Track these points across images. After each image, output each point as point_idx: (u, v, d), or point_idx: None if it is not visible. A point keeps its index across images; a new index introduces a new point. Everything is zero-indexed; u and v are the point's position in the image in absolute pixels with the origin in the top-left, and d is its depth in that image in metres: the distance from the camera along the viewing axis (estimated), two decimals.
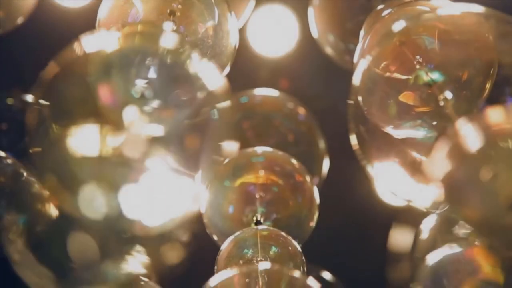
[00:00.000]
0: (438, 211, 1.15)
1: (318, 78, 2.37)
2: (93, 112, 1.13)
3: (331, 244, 2.26)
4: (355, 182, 2.26)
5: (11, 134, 1.97)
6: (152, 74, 1.18)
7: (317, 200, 1.79)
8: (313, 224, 1.79)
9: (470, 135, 1.09)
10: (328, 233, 2.03)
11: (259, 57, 2.23)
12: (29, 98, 2.03)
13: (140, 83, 1.18)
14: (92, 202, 1.06)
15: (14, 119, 2.01)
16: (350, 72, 1.87)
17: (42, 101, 1.20)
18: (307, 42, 2.10)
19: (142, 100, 1.18)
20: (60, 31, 2.11)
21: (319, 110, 2.10)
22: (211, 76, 1.19)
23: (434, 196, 1.13)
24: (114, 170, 1.09)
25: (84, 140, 1.09)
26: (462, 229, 1.16)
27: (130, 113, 1.14)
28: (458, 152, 1.09)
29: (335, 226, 2.21)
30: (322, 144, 2.05)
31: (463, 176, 1.09)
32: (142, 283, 1.78)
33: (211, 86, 1.19)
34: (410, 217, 1.92)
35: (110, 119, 1.12)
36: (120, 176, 1.09)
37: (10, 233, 1.56)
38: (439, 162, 1.11)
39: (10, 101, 2.03)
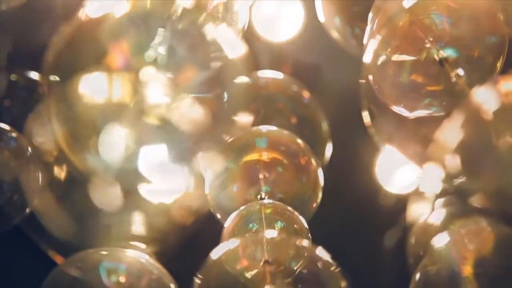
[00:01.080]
0: (452, 184, 1.15)
1: (323, 63, 2.37)
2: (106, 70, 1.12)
3: (332, 227, 2.26)
4: (358, 166, 2.26)
5: (15, 110, 1.97)
6: (167, 37, 1.17)
7: (322, 181, 1.78)
8: (316, 205, 1.78)
9: (485, 104, 1.09)
10: (329, 216, 2.02)
11: (264, 41, 2.22)
12: (33, 75, 2.03)
13: (154, 47, 1.17)
14: (106, 159, 1.06)
15: (18, 95, 2.00)
16: (355, 57, 1.87)
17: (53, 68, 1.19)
18: (313, 26, 2.10)
19: (155, 64, 1.17)
20: (64, 9, 2.10)
21: (323, 94, 2.10)
22: (230, 41, 1.18)
23: (449, 167, 1.13)
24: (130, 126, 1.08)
25: (98, 94, 1.08)
26: (474, 202, 1.16)
27: (145, 76, 1.14)
28: (473, 121, 1.09)
29: (336, 210, 2.21)
30: (325, 128, 2.04)
31: (478, 144, 1.09)
32: (143, 260, 1.77)
33: (230, 52, 1.18)
34: (413, 201, 1.92)
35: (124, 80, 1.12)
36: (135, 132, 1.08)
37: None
38: (454, 132, 1.11)
39: (13, 77, 2.03)
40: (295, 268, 1.41)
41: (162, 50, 1.17)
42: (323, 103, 2.06)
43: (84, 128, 1.08)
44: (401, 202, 1.99)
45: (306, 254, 1.41)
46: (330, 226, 2.20)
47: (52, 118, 1.10)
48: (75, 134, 1.08)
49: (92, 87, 1.10)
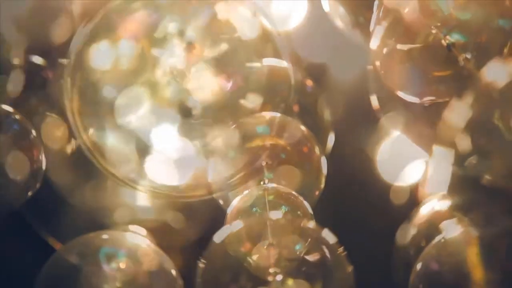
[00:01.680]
0: (463, 166, 1.14)
1: (326, 53, 2.37)
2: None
3: (335, 224, 2.25)
4: (360, 155, 2.26)
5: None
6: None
7: (325, 169, 1.78)
8: (319, 192, 1.77)
9: (493, 83, 1.09)
10: (330, 207, 2.01)
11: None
12: (36, 59, 2.02)
13: (165, 25, 1.17)
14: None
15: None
16: (359, 46, 1.87)
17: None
18: (317, 16, 2.10)
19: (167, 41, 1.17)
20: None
21: (326, 84, 2.10)
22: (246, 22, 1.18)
23: (458, 150, 1.13)
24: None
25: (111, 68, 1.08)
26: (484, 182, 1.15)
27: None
28: (481, 100, 1.09)
29: (340, 206, 2.21)
30: (328, 117, 2.04)
31: (486, 124, 1.08)
32: (145, 247, 1.77)
33: (243, 33, 1.17)
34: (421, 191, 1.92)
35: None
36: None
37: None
38: (462, 112, 1.11)
39: (16, 61, 2.01)
40: (300, 251, 1.40)
41: (173, 28, 1.17)
42: (327, 94, 2.06)
43: (99, 103, 1.08)
44: (410, 197, 1.99)
45: (311, 236, 1.40)
46: (333, 223, 2.19)
47: (66, 95, 1.09)
48: (91, 109, 1.07)
49: (106, 61, 1.10)
